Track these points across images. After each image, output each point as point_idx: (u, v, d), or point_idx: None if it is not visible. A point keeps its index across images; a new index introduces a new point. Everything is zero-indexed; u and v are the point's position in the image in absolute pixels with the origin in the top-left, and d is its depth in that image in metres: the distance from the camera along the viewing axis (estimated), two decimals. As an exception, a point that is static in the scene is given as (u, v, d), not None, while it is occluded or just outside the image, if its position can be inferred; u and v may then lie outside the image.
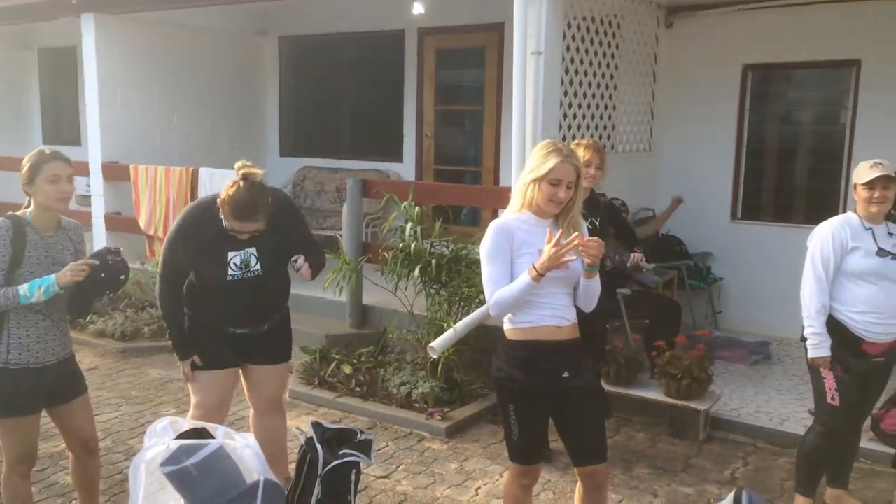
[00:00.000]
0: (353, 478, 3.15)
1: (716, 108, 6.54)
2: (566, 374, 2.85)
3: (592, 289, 2.87)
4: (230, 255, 3.25)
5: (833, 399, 3.42)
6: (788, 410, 4.78)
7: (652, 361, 4.80)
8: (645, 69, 6.61)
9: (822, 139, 6.43)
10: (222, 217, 3.14)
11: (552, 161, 2.77)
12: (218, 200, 3.14)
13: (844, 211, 5.96)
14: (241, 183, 3.10)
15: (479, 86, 7.56)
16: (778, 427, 4.56)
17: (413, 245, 4.94)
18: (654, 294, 5.68)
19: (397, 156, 7.99)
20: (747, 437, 4.55)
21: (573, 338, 2.89)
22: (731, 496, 3.47)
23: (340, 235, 6.22)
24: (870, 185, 3.35)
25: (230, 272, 3.26)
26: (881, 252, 3.34)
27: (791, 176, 6.60)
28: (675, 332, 5.05)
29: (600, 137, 6.04)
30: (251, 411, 3.64)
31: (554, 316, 2.83)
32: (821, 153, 6.39)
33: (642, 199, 6.62)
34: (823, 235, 3.42)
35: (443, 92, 7.83)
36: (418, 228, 5.04)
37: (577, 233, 2.75)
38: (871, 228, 3.40)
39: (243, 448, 2.77)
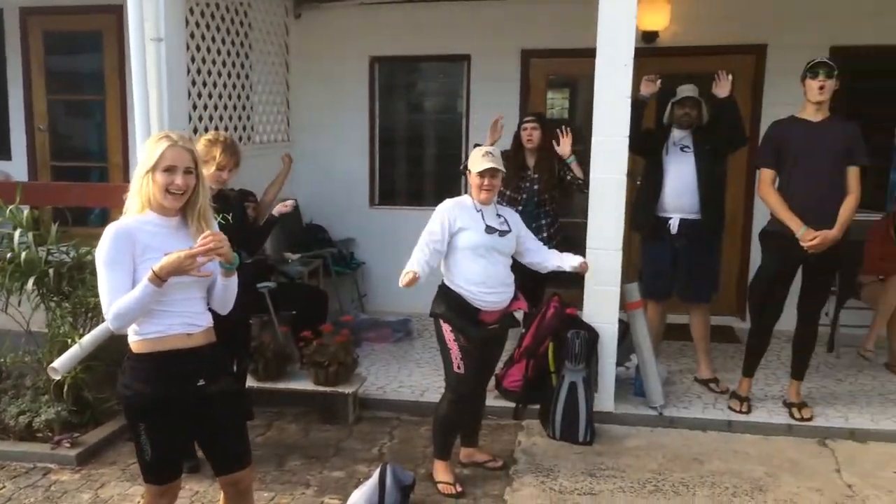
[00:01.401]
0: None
1: (348, 99, 6.76)
2: (202, 382, 2.70)
3: (230, 289, 2.75)
4: None
5: (459, 368, 3.72)
6: (428, 381, 5.15)
7: (300, 352, 4.84)
8: (278, 59, 6.59)
9: (443, 127, 7.00)
10: None
11: (161, 147, 2.60)
12: None
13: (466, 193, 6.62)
14: None
15: (100, 73, 6.91)
16: (419, 398, 4.89)
17: (24, 254, 4.36)
18: (299, 284, 5.73)
19: (4, 153, 6.99)
20: (393, 412, 4.80)
21: (208, 342, 2.75)
22: (376, 472, 3.65)
23: (-68, 248, 5.26)
24: (481, 174, 3.69)
25: None
26: (489, 229, 3.71)
27: (420, 162, 7.09)
28: (323, 319, 5.15)
29: (235, 129, 5.90)
30: None
31: (185, 323, 2.66)
32: (443, 140, 6.94)
33: (283, 191, 6.58)
34: (437, 214, 3.74)
35: (56, 80, 7.01)
36: (30, 234, 4.46)
37: (203, 237, 2.58)
38: (481, 210, 3.75)
39: None
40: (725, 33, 6.04)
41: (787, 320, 4.65)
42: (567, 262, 3.94)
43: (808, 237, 4.27)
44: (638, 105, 4.72)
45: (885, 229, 5.59)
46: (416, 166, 7.09)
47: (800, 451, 4.32)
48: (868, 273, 5.60)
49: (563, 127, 5.06)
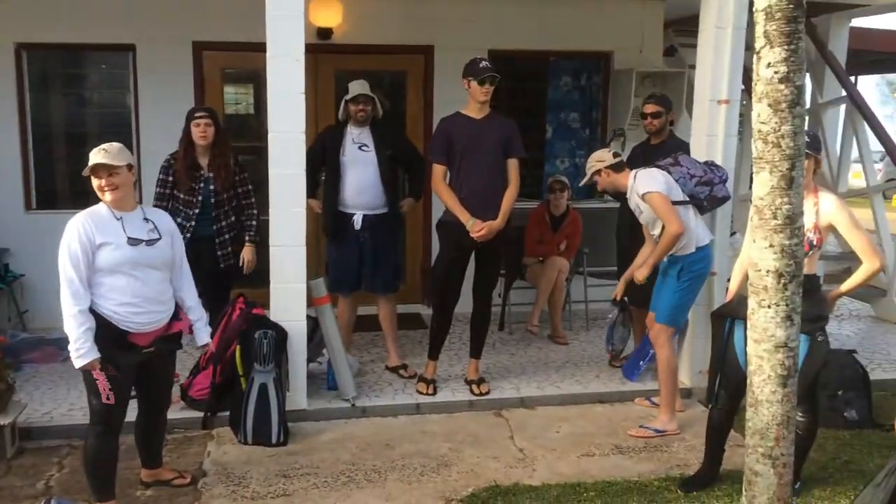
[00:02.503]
0: None
1: (-9, 91, 5.93)
2: None
3: None
4: None
5: (108, 399, 3.28)
6: (103, 401, 4.70)
7: (-61, 384, 4.13)
8: None
9: (111, 121, 6.42)
10: None
11: None
12: None
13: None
14: None
15: None
16: (94, 420, 4.44)
17: None
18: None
19: None
20: (63, 438, 4.29)
21: None
22: (39, 510, 3.24)
23: None
24: (92, 174, 3.26)
25: None
26: (132, 241, 3.28)
27: (84, 160, 6.38)
28: (-32, 344, 4.46)
29: None
30: None
31: None
32: (111, 136, 6.25)
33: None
34: (69, 235, 3.22)
35: None
36: None
37: None
38: (121, 218, 3.31)
39: None
40: (396, 34, 6.30)
41: (466, 304, 4.98)
42: (199, 335, 3.67)
43: (476, 228, 4.61)
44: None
45: (542, 215, 6.24)
46: (80, 165, 6.36)
47: (479, 423, 4.65)
48: (530, 255, 6.22)
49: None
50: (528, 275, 6.22)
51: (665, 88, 6.53)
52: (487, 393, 4.95)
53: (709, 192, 4.51)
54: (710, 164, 4.63)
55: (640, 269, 4.40)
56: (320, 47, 5.97)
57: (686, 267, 4.35)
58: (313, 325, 4.80)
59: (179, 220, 4.77)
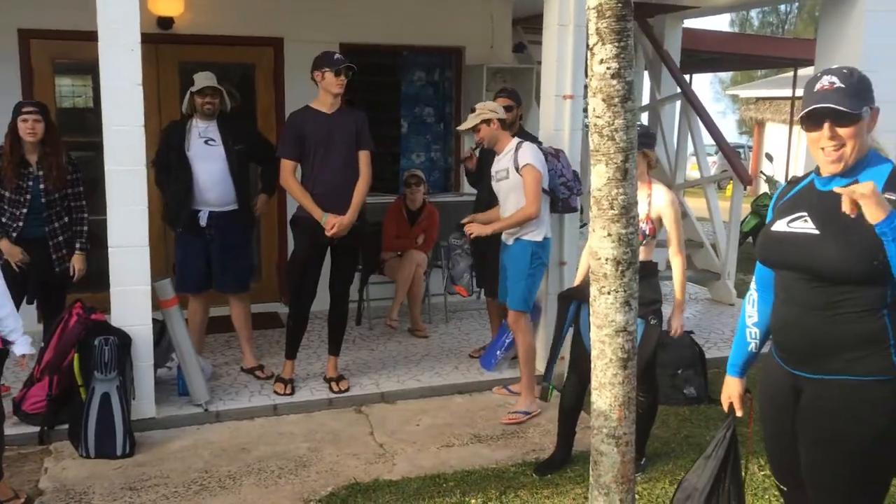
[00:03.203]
0: None
1: None
2: None
3: None
4: None
5: None
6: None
7: None
8: None
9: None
10: None
11: None
12: None
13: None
14: None
15: None
16: None
17: None
18: None
19: None
20: None
21: None
22: None
23: None
24: None
25: None
26: None
27: None
28: None
29: None
30: None
31: None
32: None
33: None
34: None
35: None
36: None
37: None
38: None
39: None
40: (243, 25, 6.11)
41: (325, 300, 4.89)
42: (16, 346, 3.42)
43: (329, 224, 4.55)
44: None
45: (399, 210, 6.25)
46: None
47: (339, 421, 4.60)
48: (388, 250, 6.21)
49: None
50: (387, 269, 6.21)
51: (515, 83, 6.69)
52: (347, 390, 4.90)
53: (567, 196, 4.70)
54: (577, 175, 4.82)
55: (482, 227, 4.52)
56: (161, 37, 5.70)
57: (535, 253, 4.51)
58: (161, 328, 4.58)
59: (5, 219, 4.45)
